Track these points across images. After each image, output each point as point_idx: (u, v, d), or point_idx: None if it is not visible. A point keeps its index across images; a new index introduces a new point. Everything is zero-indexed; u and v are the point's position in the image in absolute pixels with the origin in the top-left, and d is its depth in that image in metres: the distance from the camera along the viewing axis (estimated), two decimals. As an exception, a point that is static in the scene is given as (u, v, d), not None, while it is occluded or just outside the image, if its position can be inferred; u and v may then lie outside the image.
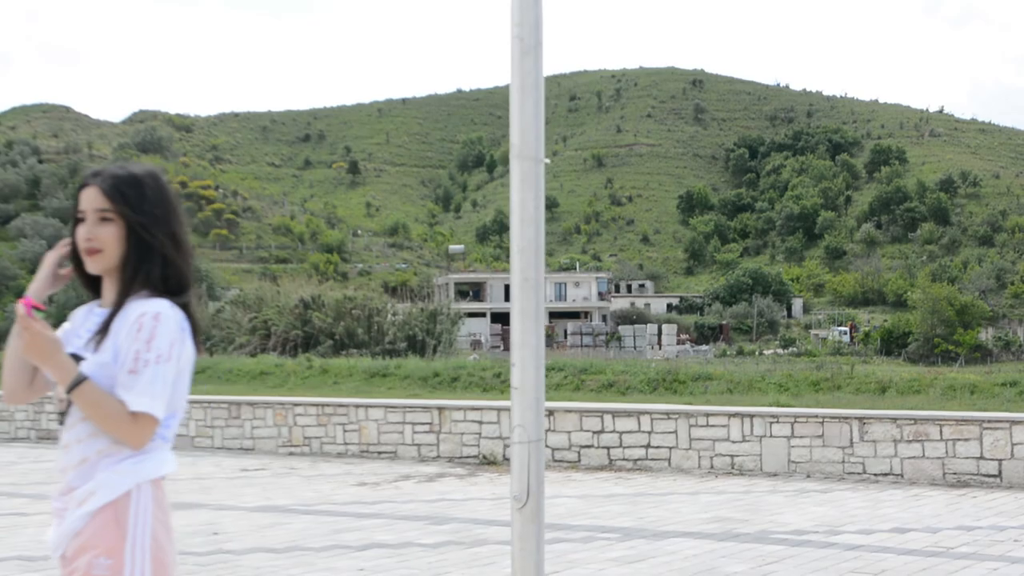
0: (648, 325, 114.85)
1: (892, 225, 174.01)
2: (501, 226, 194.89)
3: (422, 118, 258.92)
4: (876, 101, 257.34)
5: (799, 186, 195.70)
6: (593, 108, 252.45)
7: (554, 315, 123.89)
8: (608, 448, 15.53)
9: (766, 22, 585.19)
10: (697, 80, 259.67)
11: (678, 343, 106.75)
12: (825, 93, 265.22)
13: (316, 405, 17.72)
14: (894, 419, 13.97)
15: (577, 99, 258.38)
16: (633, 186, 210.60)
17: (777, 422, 14.55)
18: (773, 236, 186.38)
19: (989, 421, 13.53)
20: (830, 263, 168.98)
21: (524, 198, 4.95)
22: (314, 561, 9.36)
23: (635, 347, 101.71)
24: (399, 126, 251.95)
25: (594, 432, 15.64)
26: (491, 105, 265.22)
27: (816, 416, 14.35)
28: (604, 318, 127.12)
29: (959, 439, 13.57)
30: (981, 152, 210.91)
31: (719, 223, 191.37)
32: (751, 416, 14.74)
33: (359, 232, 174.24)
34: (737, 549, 9.64)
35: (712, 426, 14.95)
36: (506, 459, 15.99)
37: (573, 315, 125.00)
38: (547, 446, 15.89)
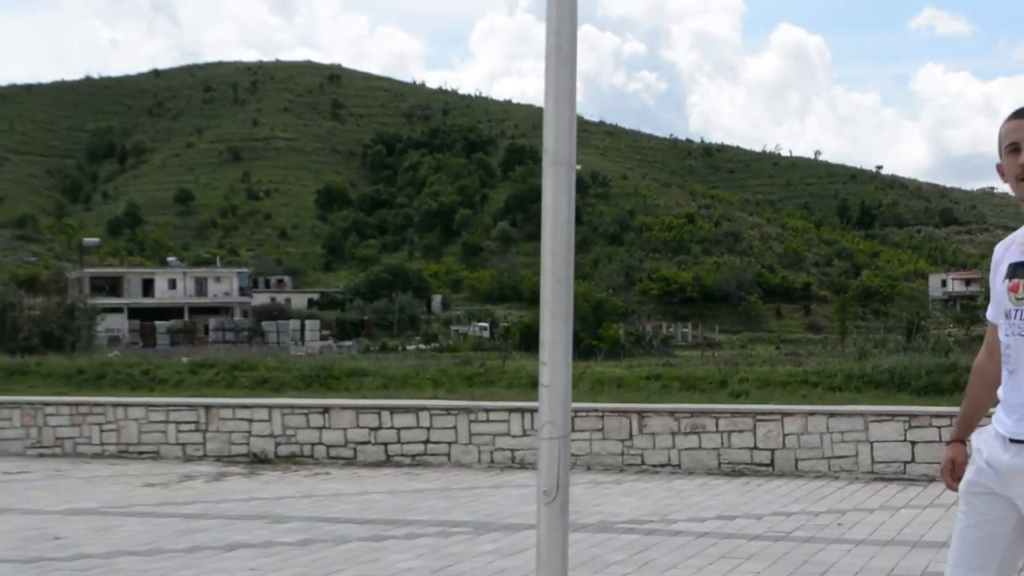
0: (290, 321, 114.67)
1: (527, 223, 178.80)
2: (134, 219, 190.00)
3: (48, 105, 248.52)
4: (510, 101, 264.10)
5: (436, 183, 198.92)
6: (229, 100, 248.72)
7: (194, 311, 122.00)
8: (386, 444, 15.72)
9: (399, 21, 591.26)
10: (334, 75, 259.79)
11: (321, 339, 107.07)
12: (460, 92, 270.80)
13: (69, 404, 17.14)
14: (672, 412, 14.76)
15: (212, 91, 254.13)
16: (270, 180, 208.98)
17: (557, 416, 15.06)
18: (411, 232, 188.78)
19: (762, 413, 14.47)
20: (468, 260, 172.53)
21: (558, 202, 5.05)
22: (193, 563, 9.24)
23: (279, 343, 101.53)
24: (23, 113, 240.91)
25: (371, 428, 15.80)
26: (122, 94, 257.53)
27: (596, 410, 14.97)
28: (245, 313, 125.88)
29: (734, 430, 14.46)
30: (609, 154, 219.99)
31: (357, 219, 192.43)
32: (531, 411, 15.22)
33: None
34: (600, 539, 10.08)
35: (492, 421, 15.38)
36: (278, 457, 15.96)
37: (214, 310, 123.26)
38: (322, 443, 15.97)
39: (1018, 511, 4.27)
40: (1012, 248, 4.38)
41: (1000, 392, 4.39)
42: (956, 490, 4.58)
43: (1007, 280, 4.32)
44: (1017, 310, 4.25)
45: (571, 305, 5.13)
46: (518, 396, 16.69)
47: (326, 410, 16.01)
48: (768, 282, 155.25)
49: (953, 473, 4.64)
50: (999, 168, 4.36)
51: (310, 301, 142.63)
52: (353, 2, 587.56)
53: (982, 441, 4.41)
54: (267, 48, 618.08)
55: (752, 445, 14.40)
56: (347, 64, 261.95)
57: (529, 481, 13.82)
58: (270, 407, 16.29)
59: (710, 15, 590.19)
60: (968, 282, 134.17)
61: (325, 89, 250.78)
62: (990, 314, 4.48)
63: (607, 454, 14.85)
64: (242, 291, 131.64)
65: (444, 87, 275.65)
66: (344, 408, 16.00)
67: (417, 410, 15.72)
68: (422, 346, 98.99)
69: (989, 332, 4.56)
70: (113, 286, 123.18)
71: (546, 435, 5.14)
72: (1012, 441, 4.22)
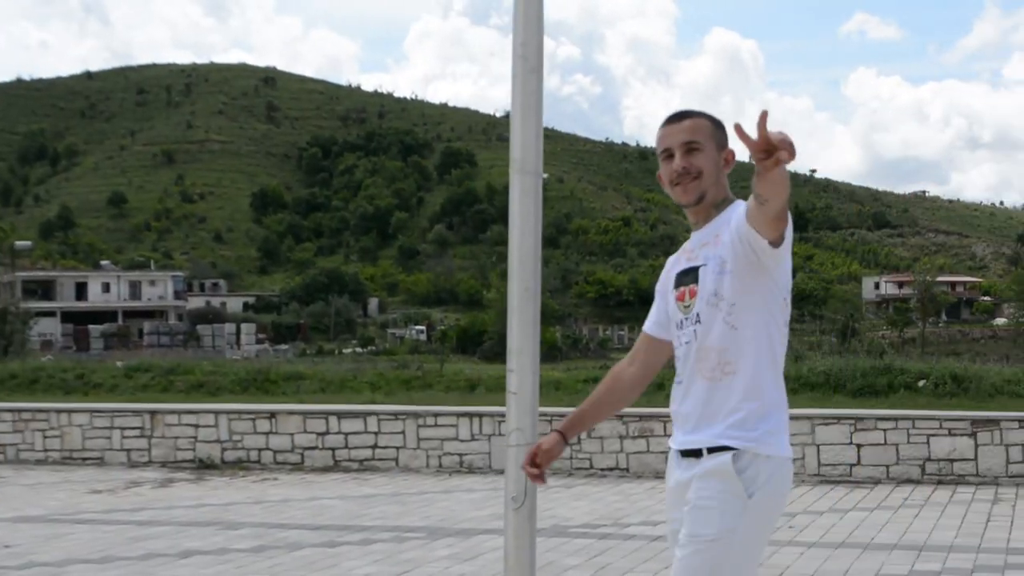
0: (226, 324, 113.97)
1: (463, 226, 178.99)
2: (66, 222, 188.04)
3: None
4: (446, 105, 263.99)
5: (372, 186, 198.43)
6: (162, 103, 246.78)
7: (128, 314, 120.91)
8: (333, 449, 15.68)
9: (333, 23, 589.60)
10: (269, 78, 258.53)
11: (257, 342, 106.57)
12: (396, 95, 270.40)
13: (12, 411, 16.95)
14: (620, 416, 14.82)
15: (145, 93, 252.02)
16: (205, 183, 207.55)
17: (505, 420, 15.09)
18: (347, 236, 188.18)
19: (709, 416, 14.56)
20: (404, 263, 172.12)
21: (524, 210, 5.02)
22: (148, 571, 9.18)
23: (214, 347, 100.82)
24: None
25: (319, 434, 15.75)
26: (53, 96, 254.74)
27: (544, 415, 14.97)
28: (180, 317, 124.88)
29: (682, 434, 14.55)
30: (545, 157, 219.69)
31: (293, 222, 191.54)
32: (479, 416, 15.26)
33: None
34: (555, 543, 10.12)
35: (440, 426, 15.37)
36: (225, 462, 15.87)
37: (148, 314, 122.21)
38: (268, 448, 15.90)
39: None
40: (679, 258, 4.25)
41: (671, 406, 4.20)
42: (530, 475, 4.46)
43: (675, 290, 4.20)
44: (685, 318, 4.12)
45: (538, 313, 5.10)
46: (456, 399, 16.75)
47: (273, 415, 15.95)
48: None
49: (534, 458, 4.47)
50: (659, 176, 4.25)
51: (245, 305, 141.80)
52: (286, 4, 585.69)
53: (669, 468, 4.23)
54: (201, 50, 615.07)
55: (699, 448, 14.47)
56: (282, 67, 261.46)
57: (478, 485, 13.87)
58: (216, 412, 16.20)
59: (644, 19, 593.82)
60: (901, 284, 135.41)
61: (260, 91, 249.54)
62: (647, 324, 4.39)
63: (555, 458, 14.87)
64: (177, 295, 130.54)
65: (380, 90, 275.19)
66: (291, 413, 15.95)
67: (365, 415, 15.69)
68: (359, 350, 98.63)
69: (638, 341, 4.48)
70: (45, 290, 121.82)
71: (514, 442, 5.17)
72: (683, 454, 4.09)
